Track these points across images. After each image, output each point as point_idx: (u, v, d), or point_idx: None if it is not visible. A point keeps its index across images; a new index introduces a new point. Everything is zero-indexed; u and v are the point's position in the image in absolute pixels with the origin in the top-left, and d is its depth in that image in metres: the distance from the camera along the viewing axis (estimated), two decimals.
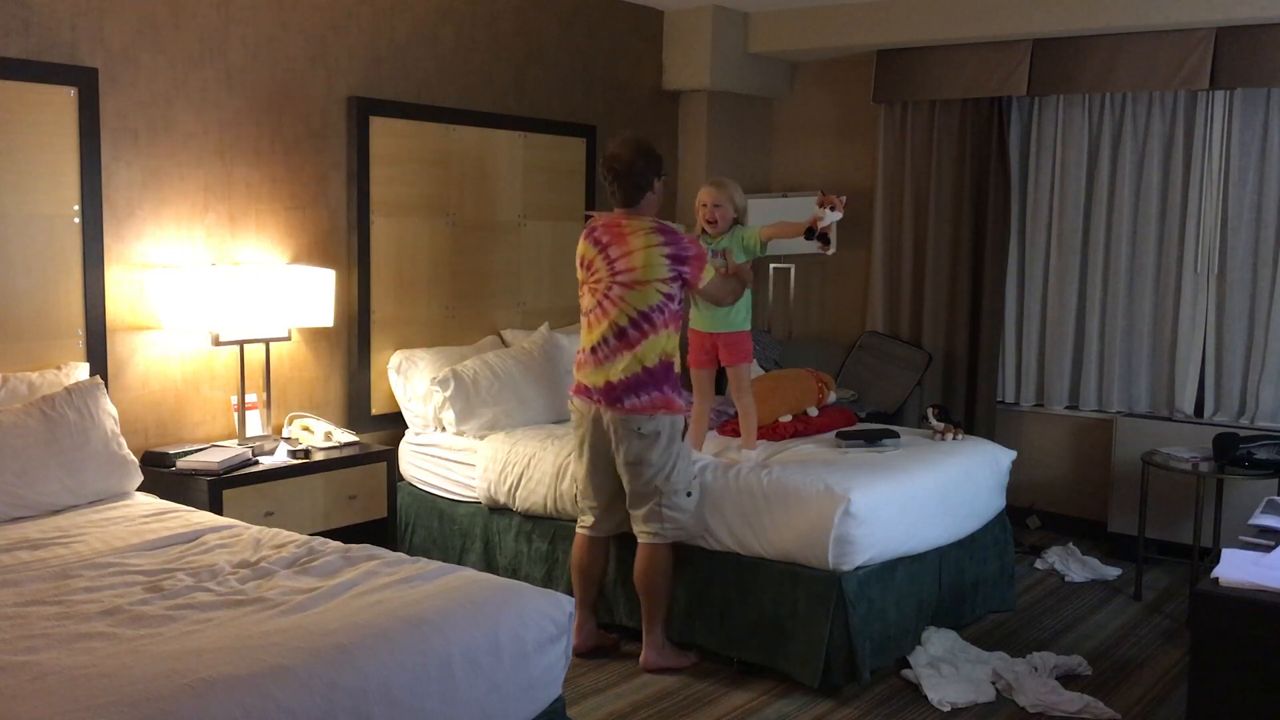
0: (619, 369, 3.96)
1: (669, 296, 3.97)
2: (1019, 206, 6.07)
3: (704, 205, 4.37)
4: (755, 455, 4.35)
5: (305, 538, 3.34)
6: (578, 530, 4.22)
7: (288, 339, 4.56)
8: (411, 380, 4.91)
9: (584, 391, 4.08)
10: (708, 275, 4.04)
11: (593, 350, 4.03)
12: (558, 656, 2.99)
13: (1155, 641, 4.54)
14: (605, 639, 4.27)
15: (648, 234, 3.96)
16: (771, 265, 6.60)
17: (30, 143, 3.84)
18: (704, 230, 4.36)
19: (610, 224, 4.05)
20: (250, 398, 4.44)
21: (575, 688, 3.90)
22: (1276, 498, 3.71)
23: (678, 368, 4.08)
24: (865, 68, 6.39)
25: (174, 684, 2.29)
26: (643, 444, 3.97)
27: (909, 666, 4.09)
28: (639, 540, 4.09)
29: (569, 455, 4.46)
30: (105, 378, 3.98)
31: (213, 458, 4.06)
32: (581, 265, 4.09)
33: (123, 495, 3.75)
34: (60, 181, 3.92)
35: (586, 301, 4.08)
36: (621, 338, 3.97)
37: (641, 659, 4.12)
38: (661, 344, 3.99)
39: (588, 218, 4.20)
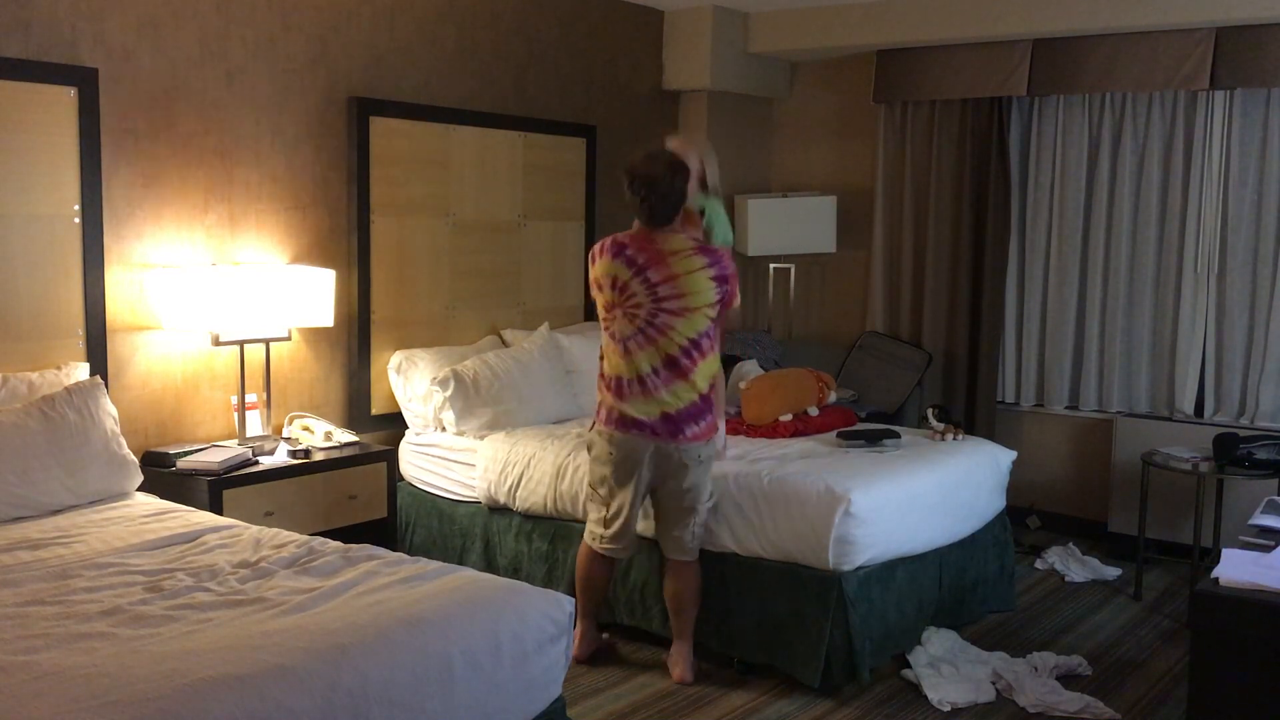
0: (677, 399, 3.82)
1: (714, 320, 3.87)
2: (1019, 206, 6.07)
3: None
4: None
5: (305, 538, 3.34)
6: (597, 548, 4.05)
7: (288, 339, 4.56)
8: (411, 380, 4.91)
9: (634, 425, 3.84)
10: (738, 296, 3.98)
11: (639, 380, 3.83)
12: (558, 656, 2.99)
13: (1155, 641, 4.54)
14: (603, 643, 4.25)
15: (690, 257, 3.79)
16: (771, 265, 6.61)
17: (30, 143, 3.84)
18: None
19: (642, 242, 3.83)
20: (250, 398, 4.44)
21: (575, 688, 3.90)
22: (1276, 498, 3.70)
23: (721, 377, 4.01)
24: (865, 68, 6.39)
25: (174, 684, 2.29)
26: (699, 470, 3.91)
27: (909, 666, 4.09)
28: (674, 559, 4.00)
29: (569, 455, 4.45)
30: (105, 378, 3.98)
31: (213, 458, 4.05)
32: (612, 287, 3.84)
33: (123, 495, 3.75)
34: (60, 181, 3.92)
35: (622, 327, 3.84)
36: (673, 367, 3.81)
37: (680, 674, 4.02)
38: (711, 367, 3.90)
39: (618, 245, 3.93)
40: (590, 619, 4.15)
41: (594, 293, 3.98)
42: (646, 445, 3.87)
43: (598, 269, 3.90)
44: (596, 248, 3.95)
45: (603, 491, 4.00)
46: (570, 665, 3.11)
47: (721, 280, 3.84)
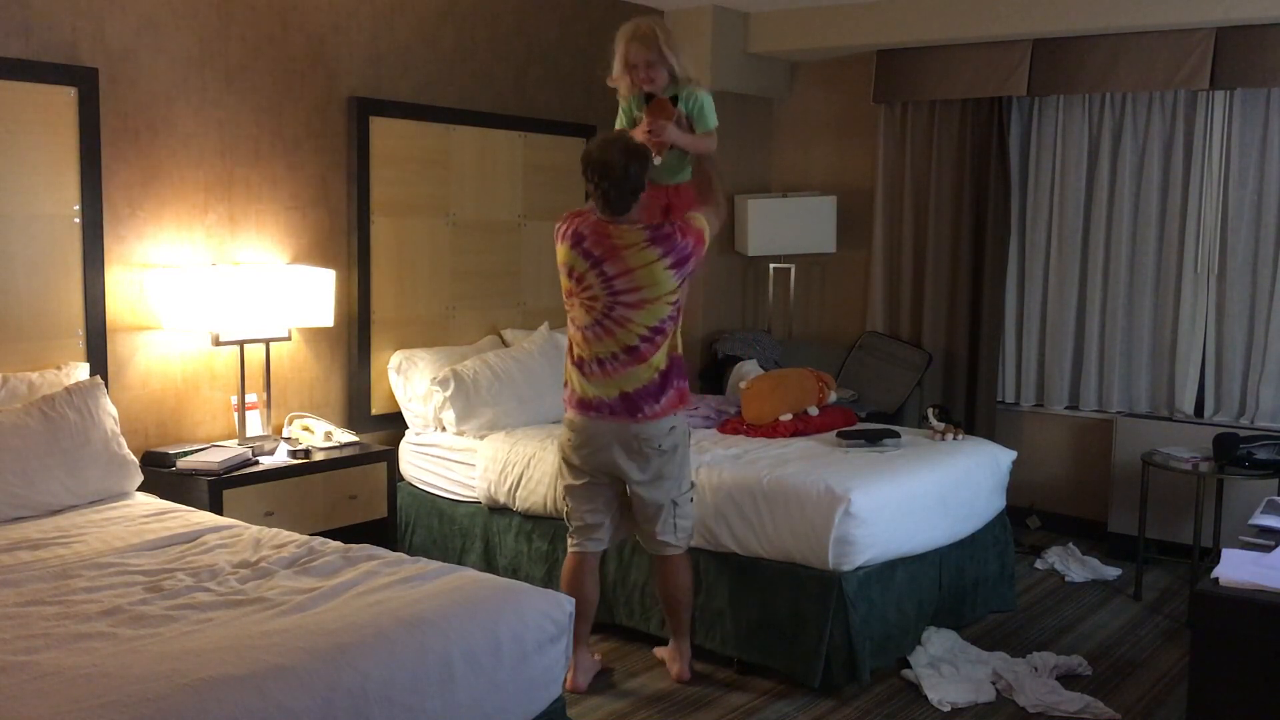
0: (635, 379, 3.75)
1: (676, 303, 3.79)
2: (1019, 206, 6.07)
3: (634, 67, 3.92)
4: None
5: (305, 538, 3.34)
6: (581, 552, 3.94)
7: (288, 339, 4.56)
8: (411, 380, 4.91)
9: (594, 407, 3.79)
10: (698, 222, 3.78)
11: (598, 362, 3.77)
12: (558, 656, 2.99)
13: (1155, 641, 4.54)
14: (600, 669, 4.10)
15: (644, 249, 3.68)
16: (771, 265, 6.61)
17: (30, 143, 3.84)
18: (645, 93, 3.95)
19: (599, 234, 3.72)
20: (250, 398, 4.44)
21: None
22: (1276, 498, 3.70)
23: (680, 348, 3.89)
24: (865, 68, 6.39)
25: (174, 684, 2.29)
26: (662, 459, 3.83)
27: (909, 666, 4.09)
28: (658, 555, 3.95)
29: None
30: (105, 378, 3.98)
31: (213, 458, 4.05)
32: (569, 276, 3.78)
33: (123, 495, 3.75)
34: (60, 181, 3.92)
35: (580, 315, 3.79)
36: (632, 353, 3.74)
37: (678, 672, 4.02)
38: (670, 343, 3.82)
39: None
40: (585, 645, 4.01)
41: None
42: (608, 430, 3.79)
43: (559, 253, 3.82)
44: (559, 227, 3.83)
45: (568, 478, 3.92)
46: (566, 692, 3.06)
47: (680, 264, 3.72)
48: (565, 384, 3.93)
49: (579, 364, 3.84)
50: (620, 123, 4.14)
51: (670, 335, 3.81)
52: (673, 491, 3.88)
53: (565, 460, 3.94)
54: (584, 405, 3.83)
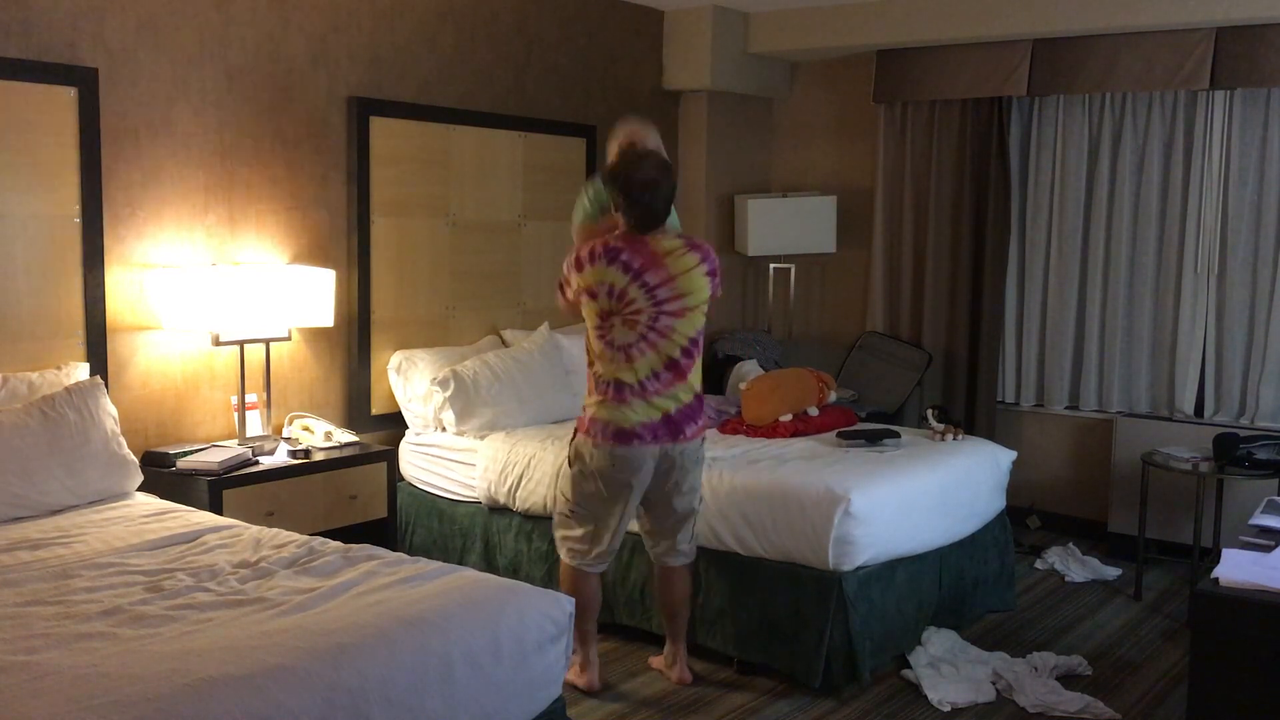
0: (675, 400, 3.74)
1: (706, 316, 3.83)
2: (1019, 206, 6.07)
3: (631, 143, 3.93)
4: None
5: (305, 538, 3.34)
6: (583, 566, 3.88)
7: (288, 339, 4.56)
8: (411, 380, 4.91)
9: (635, 435, 3.70)
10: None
11: (640, 385, 3.70)
12: (558, 656, 2.99)
13: (1155, 641, 4.54)
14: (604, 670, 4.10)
15: (684, 255, 3.72)
16: (771, 265, 6.61)
17: (30, 143, 3.84)
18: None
19: (636, 246, 3.69)
20: (250, 398, 4.44)
21: (575, 688, 3.90)
22: (1276, 498, 3.70)
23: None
24: (865, 68, 6.39)
25: (174, 684, 2.29)
26: (697, 471, 3.89)
27: (909, 666, 4.09)
28: (673, 564, 3.95)
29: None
30: (105, 378, 3.98)
31: (213, 458, 4.05)
32: (609, 295, 3.67)
33: (123, 495, 3.75)
34: (60, 181, 3.92)
35: (622, 334, 3.69)
36: (673, 368, 3.73)
37: (679, 675, 4.02)
38: (700, 366, 3.85)
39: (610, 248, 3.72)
40: (592, 643, 3.97)
41: (578, 299, 3.78)
42: (648, 454, 3.73)
43: (588, 277, 3.70)
44: (583, 253, 3.73)
45: (590, 507, 3.82)
46: (566, 688, 3.06)
47: (713, 274, 3.81)
48: (590, 418, 3.76)
49: (619, 391, 3.71)
50: (587, 210, 4.01)
51: (700, 353, 3.85)
52: (696, 501, 3.95)
53: (602, 488, 3.78)
54: (624, 435, 3.71)
